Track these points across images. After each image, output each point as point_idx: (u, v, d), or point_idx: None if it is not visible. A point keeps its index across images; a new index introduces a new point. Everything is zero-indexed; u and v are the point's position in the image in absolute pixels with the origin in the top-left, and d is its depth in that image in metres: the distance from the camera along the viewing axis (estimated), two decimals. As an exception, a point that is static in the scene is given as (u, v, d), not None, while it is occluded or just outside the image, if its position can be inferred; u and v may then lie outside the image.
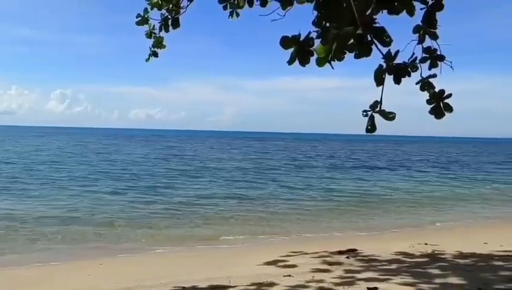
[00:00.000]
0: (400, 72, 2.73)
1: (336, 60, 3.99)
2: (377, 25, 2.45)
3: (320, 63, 3.81)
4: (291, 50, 3.46)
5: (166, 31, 5.69)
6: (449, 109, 3.25)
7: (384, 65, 2.51)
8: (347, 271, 6.46)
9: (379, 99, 2.41)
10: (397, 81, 2.73)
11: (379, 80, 2.42)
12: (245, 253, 8.87)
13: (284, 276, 6.29)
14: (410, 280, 5.64)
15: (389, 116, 2.35)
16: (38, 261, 8.33)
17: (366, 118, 2.72)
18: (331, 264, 7.05)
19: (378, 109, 2.41)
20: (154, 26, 5.70)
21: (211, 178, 22.85)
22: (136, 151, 45.82)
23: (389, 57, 2.53)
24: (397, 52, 2.60)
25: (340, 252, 8.07)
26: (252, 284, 5.85)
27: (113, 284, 6.51)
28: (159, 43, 5.84)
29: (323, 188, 20.23)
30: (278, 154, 46.14)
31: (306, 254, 8.10)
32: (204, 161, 34.11)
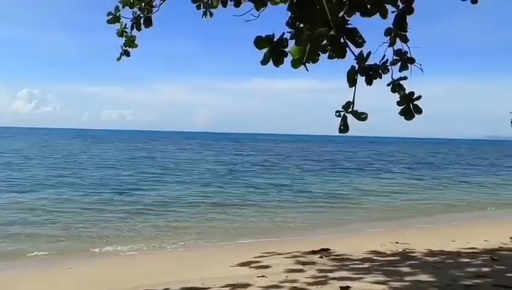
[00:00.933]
0: (372, 73, 2.79)
1: (310, 62, 4.06)
2: (350, 26, 2.50)
3: (295, 64, 3.85)
4: (265, 50, 3.50)
5: (138, 29, 5.61)
6: (418, 110, 3.35)
7: (357, 66, 2.56)
8: (320, 271, 6.54)
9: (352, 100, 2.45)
10: (369, 82, 2.79)
11: (352, 81, 2.47)
12: (218, 254, 8.84)
13: (258, 277, 6.31)
14: (382, 278, 5.76)
15: (361, 116, 2.40)
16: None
17: (339, 119, 2.78)
18: (304, 264, 7.12)
19: (350, 109, 2.45)
20: (125, 24, 5.61)
21: (181, 180, 22.60)
22: (105, 153, 44.80)
23: (361, 58, 2.59)
24: (369, 53, 2.66)
25: (313, 252, 8.16)
26: (226, 286, 5.85)
27: (82, 288, 6.36)
28: (130, 42, 5.75)
29: (295, 188, 20.40)
30: (252, 156, 46.21)
31: (279, 254, 8.15)
32: (177, 163, 33.72)
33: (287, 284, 5.75)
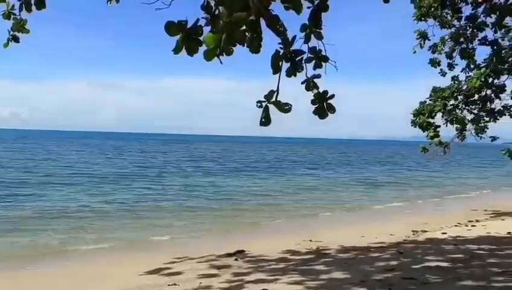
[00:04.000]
0: (297, 61, 2.68)
1: (224, 54, 3.87)
2: (272, 12, 2.36)
3: (208, 56, 3.64)
4: (177, 37, 3.25)
5: (28, 11, 4.96)
6: (332, 109, 3.35)
7: (281, 51, 2.43)
8: (236, 274, 6.41)
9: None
10: (293, 69, 2.68)
11: (276, 67, 2.33)
12: (124, 263, 8.24)
13: (169, 285, 5.99)
14: (298, 278, 5.80)
15: (284, 108, 2.27)
16: None
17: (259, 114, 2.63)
18: (219, 268, 6.94)
19: (273, 99, 2.31)
20: (13, 6, 4.96)
21: (75, 183, 20.93)
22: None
23: (286, 42, 2.47)
24: (294, 37, 2.55)
25: (229, 255, 8.03)
26: (134, 298, 5.43)
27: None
28: (20, 27, 5.09)
29: (201, 190, 20.08)
30: (156, 157, 44.62)
31: (192, 259, 7.88)
32: (73, 166, 30.99)
33: (201, 292, 5.53)
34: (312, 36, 4.30)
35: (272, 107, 2.33)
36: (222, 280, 6.11)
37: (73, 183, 20.61)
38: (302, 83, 4.06)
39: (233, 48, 3.71)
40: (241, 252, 8.26)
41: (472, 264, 6.02)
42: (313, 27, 4.37)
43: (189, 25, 3.23)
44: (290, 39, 2.51)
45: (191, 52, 3.39)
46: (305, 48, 4.14)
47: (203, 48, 3.54)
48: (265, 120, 2.33)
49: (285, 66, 3.28)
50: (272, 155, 55.69)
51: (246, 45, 3.97)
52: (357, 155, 63.57)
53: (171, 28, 3.17)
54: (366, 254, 7.37)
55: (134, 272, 6.97)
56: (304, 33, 4.48)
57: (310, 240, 9.28)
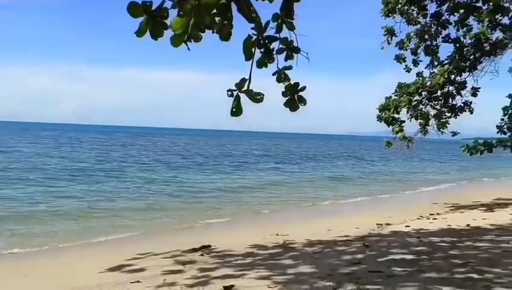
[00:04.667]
0: (270, 44, 2.57)
1: (192, 40, 3.71)
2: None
3: (174, 41, 3.47)
4: (141, 19, 3.08)
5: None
6: (303, 101, 3.28)
7: (254, 37, 2.31)
8: (201, 270, 6.28)
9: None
10: (266, 56, 2.56)
11: (248, 53, 2.22)
12: (83, 261, 7.91)
13: (131, 282, 5.78)
14: (265, 273, 5.74)
15: (256, 97, 2.16)
16: None
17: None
18: (184, 264, 6.78)
19: (245, 88, 2.19)
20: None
21: (27, 177, 20.06)
22: None
23: (259, 27, 2.35)
24: (268, 22, 2.44)
25: (194, 250, 7.87)
26: (93, 297, 5.20)
27: None
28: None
29: (164, 184, 19.79)
30: (118, 151, 43.50)
31: (156, 255, 7.67)
32: (24, 159, 29.59)
33: (165, 288, 5.36)
34: (284, 27, 4.23)
35: (243, 97, 2.21)
36: (187, 275, 5.96)
37: (23, 178, 19.52)
38: (273, 74, 3.97)
39: (202, 33, 3.57)
40: (206, 247, 8.12)
41: (435, 256, 6.15)
42: (285, 17, 4.29)
43: (154, 7, 3.07)
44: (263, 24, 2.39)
45: (156, 35, 3.21)
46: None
47: (169, 33, 3.37)
48: (236, 110, 2.21)
49: (257, 56, 3.17)
50: (239, 149, 55.65)
51: (215, 31, 3.83)
52: (324, 150, 64.54)
53: (134, 8, 2.99)
54: (333, 248, 7.40)
55: (94, 270, 6.70)
56: (275, 23, 4.39)
57: (277, 234, 9.26)
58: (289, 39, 4.40)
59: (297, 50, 4.26)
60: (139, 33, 3.14)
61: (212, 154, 43.04)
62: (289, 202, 16.20)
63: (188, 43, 3.66)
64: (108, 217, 12.17)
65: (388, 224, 10.32)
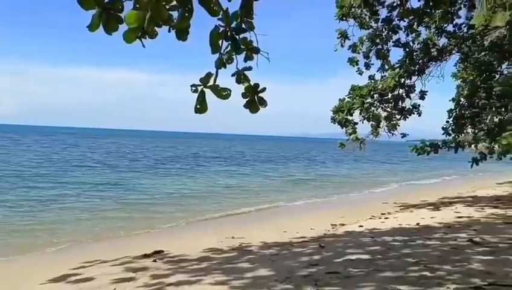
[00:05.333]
0: (238, 36, 2.47)
1: (147, 37, 3.56)
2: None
3: (128, 37, 3.31)
4: (93, 12, 2.91)
5: None
6: (264, 103, 3.24)
7: (221, 28, 2.22)
8: (154, 276, 6.07)
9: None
10: (234, 47, 2.47)
11: (215, 45, 2.12)
12: (22, 272, 7.41)
13: (78, 293, 5.49)
14: (221, 277, 5.64)
15: (222, 93, 2.07)
16: None
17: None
18: (135, 271, 6.52)
19: (211, 83, 2.09)
20: None
21: None
22: None
23: (226, 17, 2.26)
24: (236, 12, 2.35)
25: (146, 256, 7.62)
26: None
27: None
28: None
29: (111, 188, 19.11)
30: (61, 152, 41.71)
31: (105, 262, 7.34)
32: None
33: (116, 298, 5.13)
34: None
35: (209, 93, 2.11)
36: (139, 283, 5.74)
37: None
38: (233, 75, 3.90)
39: (159, 28, 3.43)
40: (159, 252, 7.89)
41: (389, 255, 6.32)
42: (244, 16, 4.23)
43: (107, -1, 2.91)
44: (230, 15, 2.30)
45: (109, 30, 3.04)
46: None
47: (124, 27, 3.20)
48: (201, 107, 2.10)
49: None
50: (190, 151, 55.01)
51: (171, 29, 3.69)
52: (277, 152, 65.16)
53: (86, 0, 2.82)
54: (289, 250, 7.43)
55: (35, 281, 6.30)
56: (235, 22, 4.32)
57: (232, 237, 9.18)
58: (248, 39, 4.35)
59: (256, 50, 4.21)
60: (92, 27, 2.96)
61: (163, 157, 42.18)
62: (243, 205, 16.12)
63: (142, 39, 3.52)
64: (51, 225, 11.51)
65: (342, 224, 10.53)
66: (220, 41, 2.19)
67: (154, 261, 7.20)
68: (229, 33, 2.32)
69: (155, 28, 3.42)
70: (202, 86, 2.13)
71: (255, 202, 16.53)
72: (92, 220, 12.37)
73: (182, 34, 3.09)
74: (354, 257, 6.34)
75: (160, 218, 12.96)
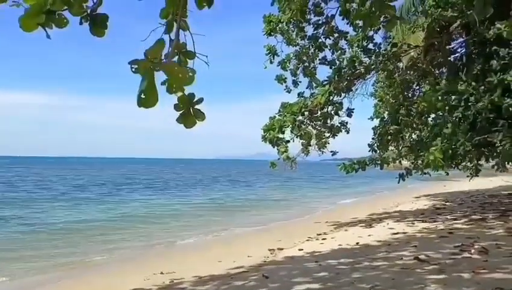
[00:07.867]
0: None
1: (54, 25, 2.80)
2: None
3: (25, 23, 2.56)
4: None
5: None
6: (201, 116, 2.65)
7: None
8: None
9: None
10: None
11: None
12: None
13: None
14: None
15: (183, 74, 1.40)
16: None
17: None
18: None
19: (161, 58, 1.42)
20: None
21: None
22: None
23: None
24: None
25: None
26: None
27: None
28: None
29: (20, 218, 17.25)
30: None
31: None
32: None
33: None
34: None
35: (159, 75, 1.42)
36: None
37: None
38: (162, 83, 3.22)
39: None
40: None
41: (341, 282, 5.87)
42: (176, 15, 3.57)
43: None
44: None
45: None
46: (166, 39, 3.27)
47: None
48: (148, 95, 1.41)
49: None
50: (108, 176, 51.84)
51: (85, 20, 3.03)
52: (190, 173, 63.81)
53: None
54: (229, 284, 6.69)
55: None
56: (164, 20, 3.62)
57: (161, 273, 8.22)
58: (182, 42, 3.67)
59: (191, 55, 3.53)
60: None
61: (72, 183, 39.19)
62: (170, 234, 14.98)
63: (47, 29, 2.74)
64: None
65: (280, 249, 10.01)
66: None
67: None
68: None
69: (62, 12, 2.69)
70: (150, 63, 1.43)
71: (183, 232, 15.32)
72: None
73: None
74: (303, 287, 5.80)
75: (69, 255, 11.44)
